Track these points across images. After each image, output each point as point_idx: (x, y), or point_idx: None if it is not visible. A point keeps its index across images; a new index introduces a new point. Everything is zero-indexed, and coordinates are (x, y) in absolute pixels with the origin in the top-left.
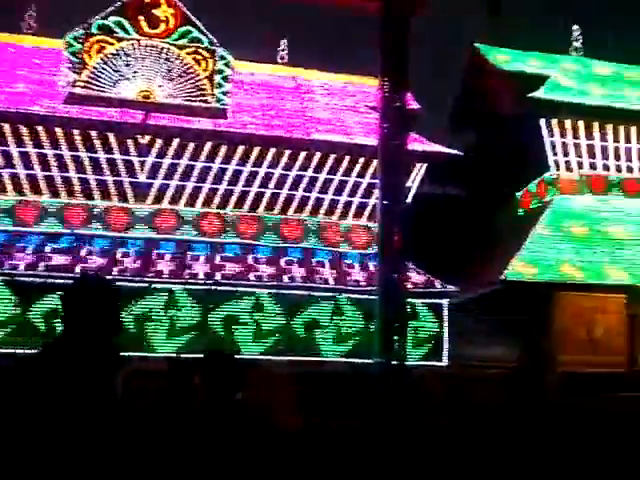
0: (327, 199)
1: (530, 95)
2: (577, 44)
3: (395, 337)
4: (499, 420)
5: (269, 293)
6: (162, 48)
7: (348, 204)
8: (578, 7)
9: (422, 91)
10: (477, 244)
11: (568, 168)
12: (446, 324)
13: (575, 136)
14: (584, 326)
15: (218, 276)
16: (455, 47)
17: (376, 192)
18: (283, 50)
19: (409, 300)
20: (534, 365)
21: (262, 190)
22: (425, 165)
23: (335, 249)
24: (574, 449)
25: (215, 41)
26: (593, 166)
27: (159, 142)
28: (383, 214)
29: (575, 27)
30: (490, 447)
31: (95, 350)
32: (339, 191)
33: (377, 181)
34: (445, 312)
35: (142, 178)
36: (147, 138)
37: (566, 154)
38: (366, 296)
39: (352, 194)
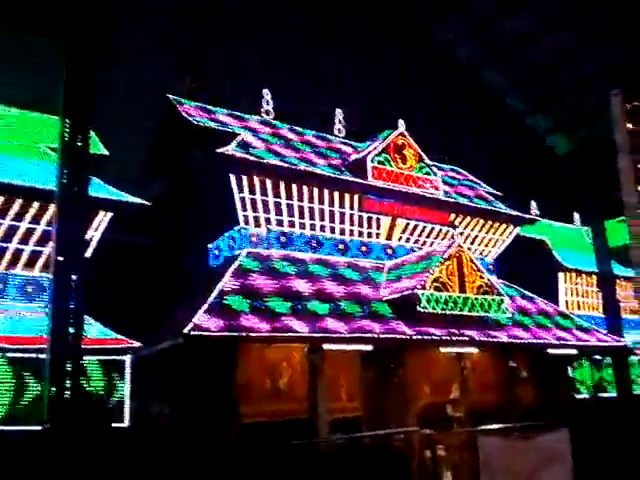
0: None
1: (220, 150)
2: (268, 107)
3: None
4: None
5: None
6: None
7: (19, 252)
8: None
9: (115, 139)
10: (166, 296)
11: (257, 223)
12: (128, 382)
13: (263, 193)
14: (269, 376)
15: None
16: (151, 98)
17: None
18: None
19: (87, 358)
20: (216, 416)
21: None
22: (110, 214)
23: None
24: None
25: None
26: (280, 223)
27: None
28: (57, 265)
29: (266, 91)
30: None
31: None
32: (8, 237)
33: (52, 229)
34: (127, 369)
35: None
36: None
37: (255, 210)
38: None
39: (24, 241)
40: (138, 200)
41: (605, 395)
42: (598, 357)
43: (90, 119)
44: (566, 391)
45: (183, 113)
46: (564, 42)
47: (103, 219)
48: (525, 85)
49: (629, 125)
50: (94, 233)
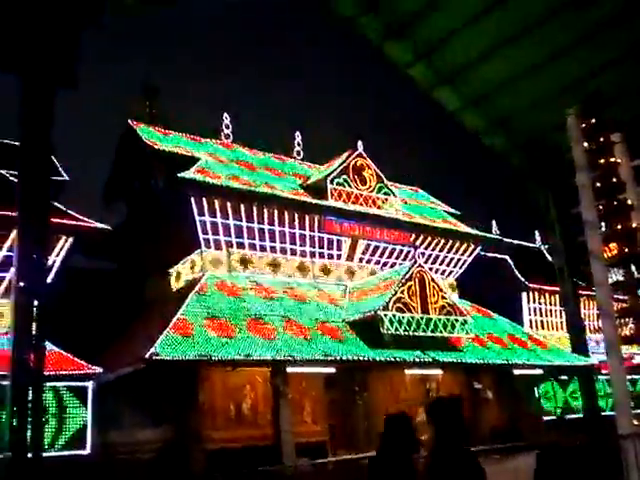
0: None
1: (180, 175)
2: (227, 131)
3: (29, 426)
4: None
5: None
6: None
7: None
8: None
9: (76, 164)
10: (127, 321)
11: (217, 246)
12: (90, 408)
13: (224, 216)
14: (232, 401)
15: None
16: (111, 123)
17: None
18: None
19: (50, 384)
20: (180, 443)
21: None
22: (71, 239)
23: None
24: None
25: None
26: (241, 245)
27: None
28: (19, 291)
29: (225, 114)
30: None
31: None
32: None
33: (13, 254)
34: (89, 395)
35: None
36: None
37: (215, 233)
38: None
39: None
40: (99, 225)
41: (573, 416)
42: (564, 377)
43: (50, 146)
44: (532, 412)
45: (143, 137)
46: (521, 59)
47: (64, 244)
48: (479, 103)
49: (585, 143)
50: (56, 258)
